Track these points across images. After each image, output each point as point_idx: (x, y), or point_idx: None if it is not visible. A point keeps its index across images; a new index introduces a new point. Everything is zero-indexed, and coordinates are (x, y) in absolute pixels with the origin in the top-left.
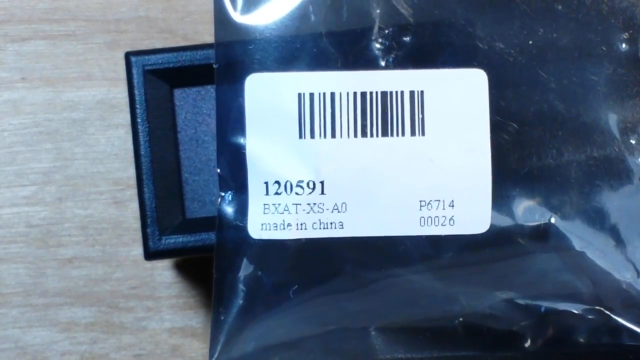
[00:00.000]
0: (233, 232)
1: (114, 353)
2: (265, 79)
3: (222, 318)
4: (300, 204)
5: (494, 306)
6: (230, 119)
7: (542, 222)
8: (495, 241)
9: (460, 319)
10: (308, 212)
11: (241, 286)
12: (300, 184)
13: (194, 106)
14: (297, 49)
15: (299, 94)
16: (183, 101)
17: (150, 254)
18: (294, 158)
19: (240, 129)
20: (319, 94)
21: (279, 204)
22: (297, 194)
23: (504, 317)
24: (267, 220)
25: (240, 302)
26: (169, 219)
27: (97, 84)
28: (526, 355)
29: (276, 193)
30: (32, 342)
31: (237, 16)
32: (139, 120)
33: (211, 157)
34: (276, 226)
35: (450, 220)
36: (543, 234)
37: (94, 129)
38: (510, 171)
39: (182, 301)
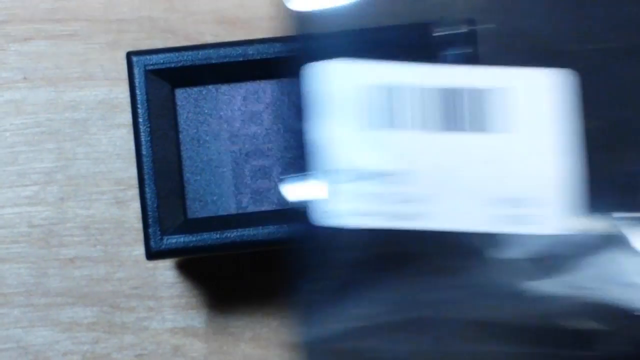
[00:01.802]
0: (306, 220)
1: (116, 353)
2: (340, 68)
3: (299, 304)
4: (375, 194)
5: (572, 305)
6: (310, 107)
7: (624, 225)
8: (574, 243)
9: (536, 316)
10: (381, 203)
11: (316, 273)
12: (374, 174)
13: (196, 106)
14: (372, 40)
15: (379, 86)
16: (185, 101)
17: (152, 254)
18: (367, 148)
19: (319, 117)
20: (398, 86)
21: (355, 193)
22: (371, 184)
23: (581, 317)
24: (343, 207)
25: (315, 289)
26: (171, 219)
27: (98, 84)
28: (602, 355)
29: (350, 181)
30: (34, 342)
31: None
32: (140, 120)
33: (212, 157)
34: (353, 213)
35: (531, 219)
36: (625, 238)
37: (96, 129)
38: (596, 175)
39: (184, 301)
